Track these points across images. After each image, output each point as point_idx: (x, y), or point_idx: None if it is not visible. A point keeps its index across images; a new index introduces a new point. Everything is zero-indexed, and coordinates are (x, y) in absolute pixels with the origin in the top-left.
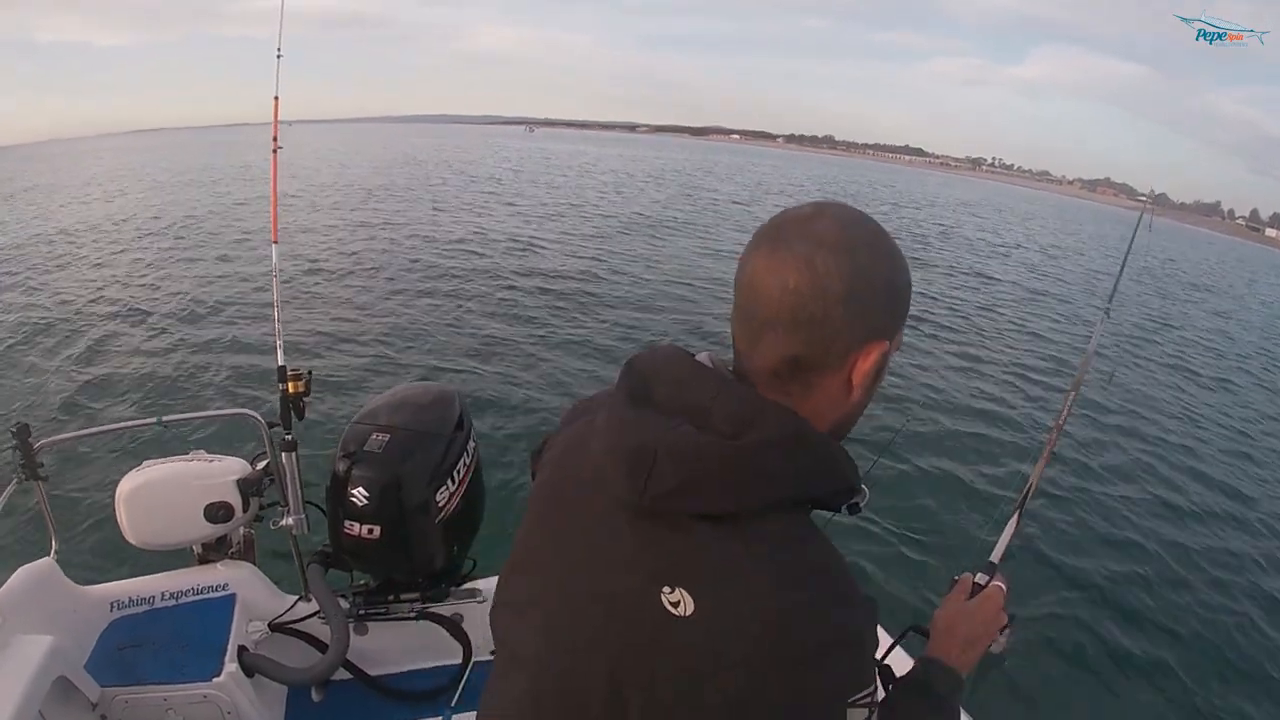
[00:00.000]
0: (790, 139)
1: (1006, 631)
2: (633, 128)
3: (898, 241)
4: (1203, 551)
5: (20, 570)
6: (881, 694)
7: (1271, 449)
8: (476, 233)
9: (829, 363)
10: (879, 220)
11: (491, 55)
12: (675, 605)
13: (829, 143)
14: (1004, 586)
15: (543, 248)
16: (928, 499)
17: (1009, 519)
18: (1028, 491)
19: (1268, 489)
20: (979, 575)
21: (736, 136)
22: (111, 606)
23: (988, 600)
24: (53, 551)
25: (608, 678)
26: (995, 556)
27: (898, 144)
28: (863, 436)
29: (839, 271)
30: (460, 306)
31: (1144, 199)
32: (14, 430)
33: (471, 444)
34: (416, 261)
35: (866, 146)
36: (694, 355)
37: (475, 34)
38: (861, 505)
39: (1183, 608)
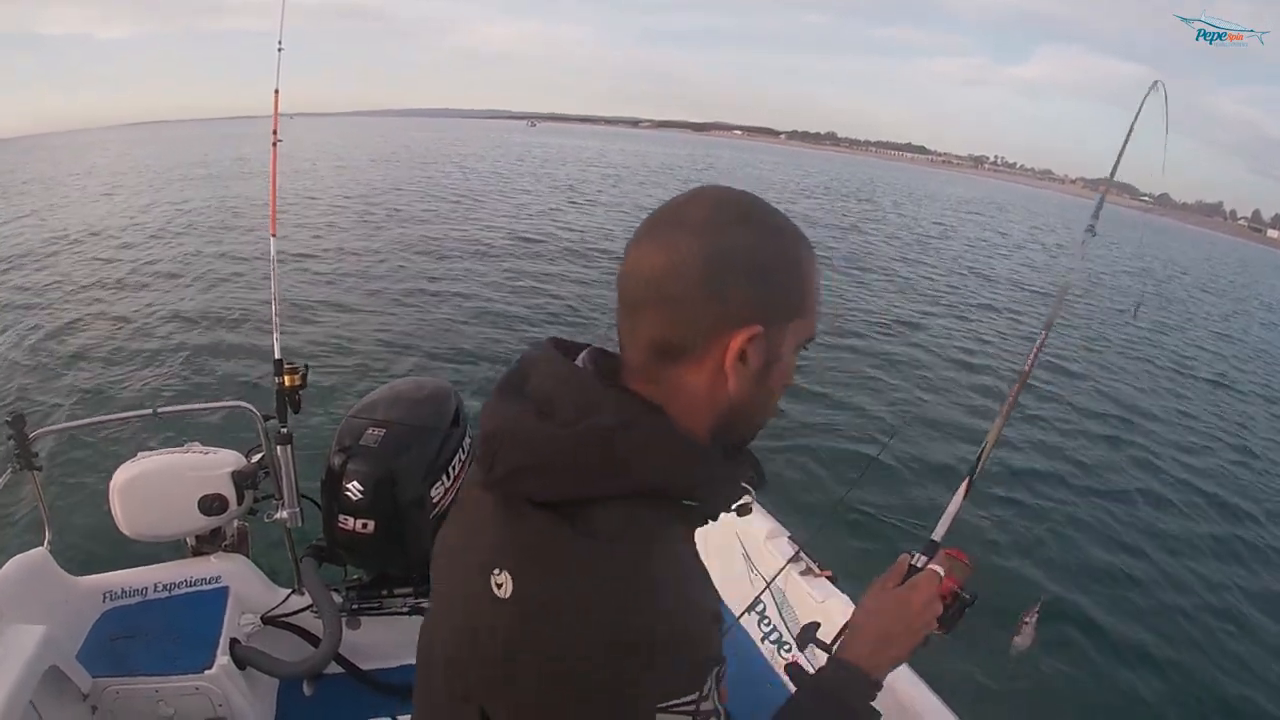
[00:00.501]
0: (793, 135)
1: (1033, 620)
2: (635, 123)
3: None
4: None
5: (13, 560)
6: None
7: (1251, 425)
8: (475, 227)
9: (694, 347)
10: (882, 216)
11: (492, 51)
12: (499, 588)
13: (831, 139)
14: (940, 570)
15: (542, 243)
16: (902, 476)
17: (958, 488)
18: (982, 455)
19: (1246, 461)
20: (917, 556)
21: (739, 133)
22: (104, 597)
23: (915, 589)
24: (46, 541)
25: (446, 665)
26: (938, 534)
27: (900, 141)
28: (853, 440)
29: (698, 252)
30: (459, 302)
31: (1146, 199)
32: (9, 420)
33: (467, 440)
34: (415, 256)
35: (870, 144)
36: (576, 348)
37: (475, 29)
38: (751, 507)
39: (1163, 581)
